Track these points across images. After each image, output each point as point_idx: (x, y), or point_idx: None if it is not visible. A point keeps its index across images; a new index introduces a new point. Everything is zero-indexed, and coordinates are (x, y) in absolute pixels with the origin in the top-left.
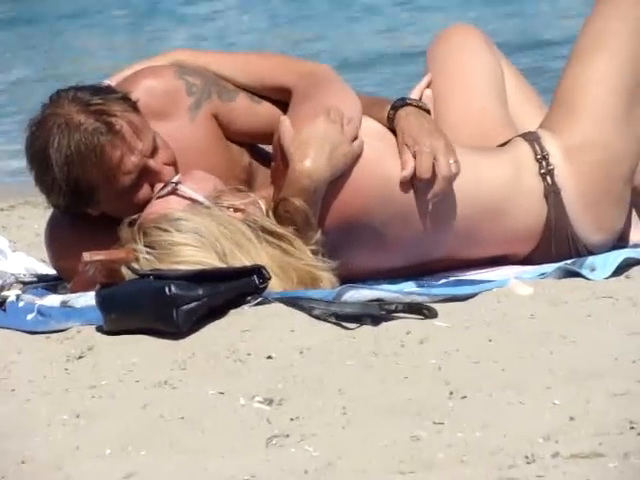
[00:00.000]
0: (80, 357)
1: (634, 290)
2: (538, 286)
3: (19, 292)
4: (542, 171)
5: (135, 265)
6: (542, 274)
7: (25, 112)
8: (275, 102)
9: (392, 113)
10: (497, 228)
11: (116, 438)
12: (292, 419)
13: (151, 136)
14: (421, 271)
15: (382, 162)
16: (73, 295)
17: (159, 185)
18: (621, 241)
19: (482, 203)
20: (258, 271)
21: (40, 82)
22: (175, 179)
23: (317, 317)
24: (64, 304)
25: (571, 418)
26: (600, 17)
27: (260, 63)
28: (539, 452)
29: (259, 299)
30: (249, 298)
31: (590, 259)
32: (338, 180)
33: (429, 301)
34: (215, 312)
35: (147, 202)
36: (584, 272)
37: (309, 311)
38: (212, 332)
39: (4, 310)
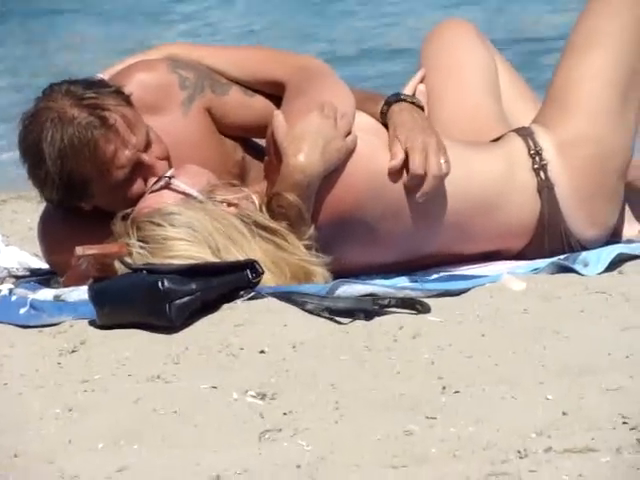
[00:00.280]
0: (73, 351)
1: (627, 285)
2: (531, 281)
3: (12, 286)
4: (535, 166)
5: (128, 259)
6: (535, 269)
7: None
8: (269, 96)
9: (386, 108)
10: (490, 223)
11: (108, 432)
12: (285, 413)
13: (145, 130)
14: (414, 266)
15: (375, 157)
16: (66, 289)
17: (152, 179)
18: (614, 236)
19: (475, 198)
20: (251, 266)
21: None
22: (168, 173)
23: (310, 312)
24: (57, 298)
25: (564, 413)
26: (593, 14)
27: (253, 57)
28: (532, 447)
29: (252, 294)
30: (242, 293)
31: (583, 254)
32: (331, 175)
33: (422, 296)
34: (208, 307)
35: (140, 196)
36: (577, 267)
37: (302, 306)
38: (205, 326)
39: None
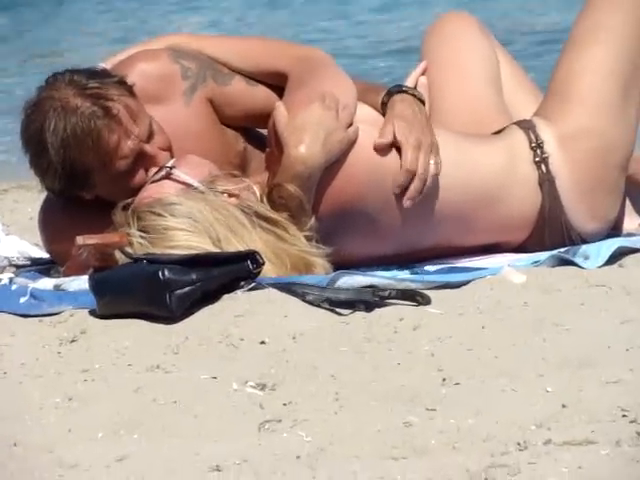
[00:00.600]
0: (73, 341)
1: (627, 279)
2: (531, 274)
3: (12, 275)
4: (537, 159)
5: (129, 249)
6: (536, 262)
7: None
8: (271, 86)
9: (387, 98)
10: (491, 216)
11: (108, 421)
12: (285, 404)
13: (147, 120)
14: (415, 258)
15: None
16: (66, 279)
17: (154, 169)
18: (615, 230)
19: (476, 191)
20: (252, 256)
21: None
22: (170, 164)
23: (310, 303)
24: (57, 287)
25: (564, 405)
26: (595, 9)
27: (256, 47)
28: (531, 439)
29: (252, 284)
30: (242, 283)
31: (584, 247)
32: (332, 166)
33: (422, 288)
34: (208, 297)
35: (142, 186)
36: (578, 260)
37: (302, 297)
38: (205, 317)
39: None
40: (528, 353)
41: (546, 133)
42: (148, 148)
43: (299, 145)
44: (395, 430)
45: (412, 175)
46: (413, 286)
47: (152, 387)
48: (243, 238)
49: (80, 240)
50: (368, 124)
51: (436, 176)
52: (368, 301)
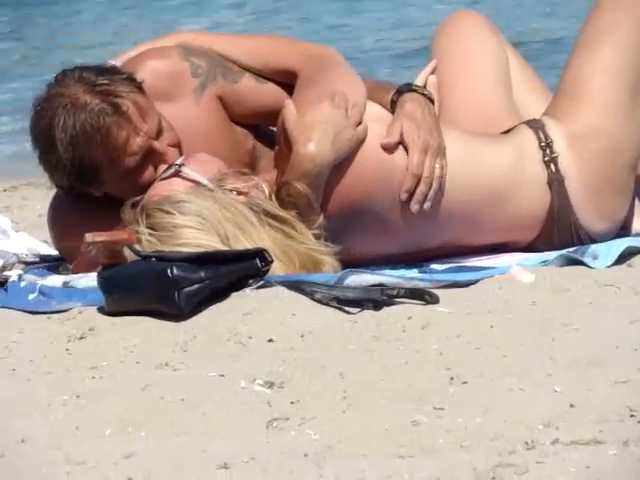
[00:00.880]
0: (81, 338)
1: (636, 279)
2: (540, 273)
3: (21, 272)
4: (546, 159)
5: (137, 247)
6: (544, 261)
7: None
8: (280, 84)
9: (396, 97)
10: (499, 215)
11: (116, 419)
12: (292, 402)
13: (156, 118)
14: (423, 257)
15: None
16: (75, 276)
17: (163, 167)
18: (624, 230)
19: (484, 190)
20: (260, 254)
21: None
22: (179, 161)
23: (319, 301)
24: (66, 285)
25: (571, 405)
26: (603, 10)
27: (265, 45)
28: (539, 438)
29: (261, 282)
30: (251, 281)
31: (592, 247)
32: (341, 165)
33: (431, 287)
34: (217, 295)
35: (151, 184)
36: (586, 260)
37: (311, 295)
38: (213, 315)
39: (6, 290)
40: (536, 352)
41: (555, 132)
42: (157, 145)
43: (308, 143)
44: (403, 429)
45: (418, 179)
46: (421, 285)
47: (160, 384)
48: (251, 236)
49: (89, 237)
50: (377, 123)
51: (441, 179)
52: (376, 300)
